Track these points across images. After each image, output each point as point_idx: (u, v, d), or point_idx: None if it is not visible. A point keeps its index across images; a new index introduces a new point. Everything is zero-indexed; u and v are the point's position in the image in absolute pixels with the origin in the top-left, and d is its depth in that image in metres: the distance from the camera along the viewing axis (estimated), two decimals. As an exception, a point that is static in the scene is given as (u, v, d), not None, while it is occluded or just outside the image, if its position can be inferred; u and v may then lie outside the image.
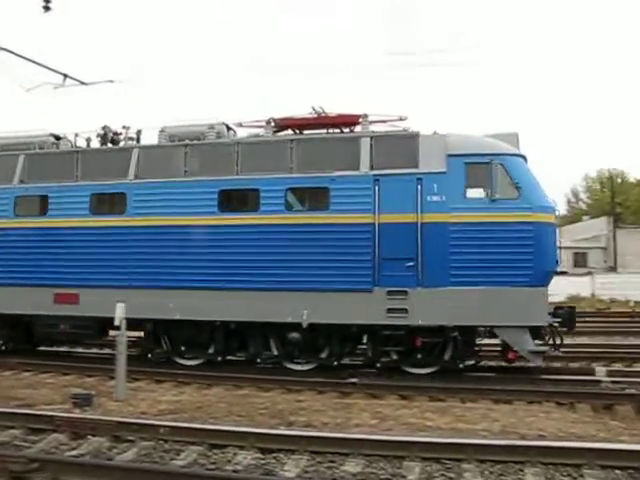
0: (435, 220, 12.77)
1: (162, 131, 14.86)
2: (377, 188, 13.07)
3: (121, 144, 15.36)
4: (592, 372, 13.57)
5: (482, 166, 12.77)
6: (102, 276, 14.38)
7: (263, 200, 13.69)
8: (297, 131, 14.67)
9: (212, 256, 13.81)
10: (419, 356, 13.37)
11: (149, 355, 14.75)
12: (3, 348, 16.04)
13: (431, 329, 12.97)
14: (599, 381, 12.44)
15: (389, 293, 12.94)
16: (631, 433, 9.31)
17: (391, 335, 13.19)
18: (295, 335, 13.65)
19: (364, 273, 13.01)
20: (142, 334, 15.05)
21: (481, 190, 12.98)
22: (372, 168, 13.26)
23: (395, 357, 13.51)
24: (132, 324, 13.92)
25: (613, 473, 7.16)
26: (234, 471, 7.24)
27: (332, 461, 7.56)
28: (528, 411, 10.40)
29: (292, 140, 14.03)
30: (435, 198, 12.82)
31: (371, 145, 13.42)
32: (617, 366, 14.82)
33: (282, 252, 13.43)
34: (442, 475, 7.17)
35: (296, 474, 7.19)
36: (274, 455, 7.74)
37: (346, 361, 14.21)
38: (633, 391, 11.23)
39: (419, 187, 12.86)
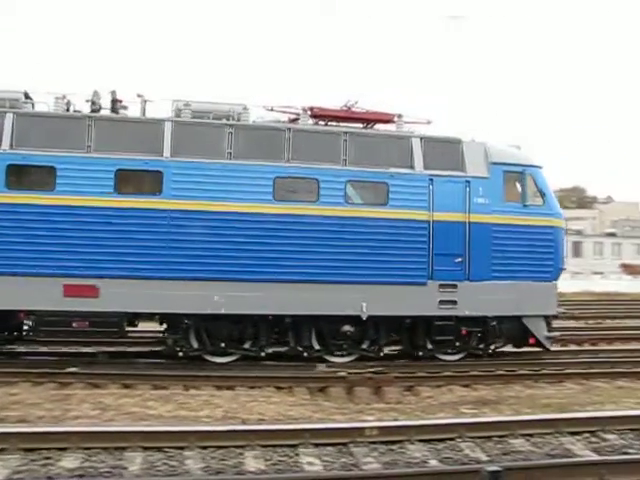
0: (481, 220, 14.18)
1: (187, 105, 13.73)
2: (431, 187, 13.91)
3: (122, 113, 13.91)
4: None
5: (517, 175, 14.63)
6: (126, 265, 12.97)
7: (323, 191, 13.53)
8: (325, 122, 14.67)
9: (267, 246, 13.30)
10: (457, 344, 14.39)
11: (180, 353, 13.47)
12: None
13: (472, 319, 14.22)
14: (315, 365, 13.21)
15: (441, 286, 13.85)
16: (342, 412, 10.06)
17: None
18: (348, 328, 13.85)
19: (420, 267, 13.86)
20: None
21: (515, 196, 14.61)
22: (425, 168, 14.03)
23: (430, 346, 14.37)
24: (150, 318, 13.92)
25: (325, 450, 7.64)
26: None
27: (48, 458, 7.16)
28: (249, 396, 10.76)
29: (346, 133, 14.09)
30: (480, 200, 14.21)
31: (421, 146, 14.17)
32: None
33: (342, 245, 13.54)
34: (164, 464, 7.12)
35: (5, 476, 6.68)
36: (-20, 456, 7.14)
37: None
38: (344, 374, 12.10)
39: (467, 189, 14.10)
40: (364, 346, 14.23)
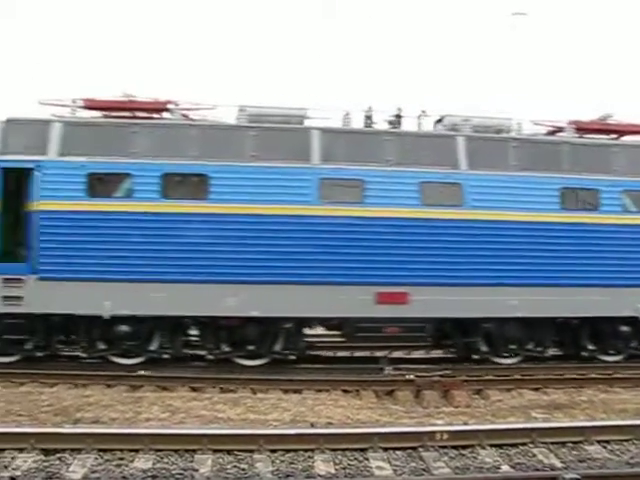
0: None
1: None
2: None
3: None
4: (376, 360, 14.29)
5: None
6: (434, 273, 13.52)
7: (602, 201, 14.23)
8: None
9: (555, 253, 13.87)
10: None
11: (475, 356, 14.32)
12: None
13: None
14: (382, 369, 13.13)
15: None
16: (410, 416, 9.98)
17: None
18: (624, 328, 14.42)
19: None
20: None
21: None
22: None
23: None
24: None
25: (394, 454, 7.58)
26: (12, 478, 6.73)
27: (121, 458, 7.29)
28: (317, 400, 10.74)
29: (617, 145, 14.85)
30: None
31: None
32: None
33: (619, 250, 14.13)
34: (234, 467, 7.17)
35: (82, 475, 6.85)
36: (58, 455, 7.30)
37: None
38: (412, 377, 11.97)
39: None
40: (633, 344, 14.69)
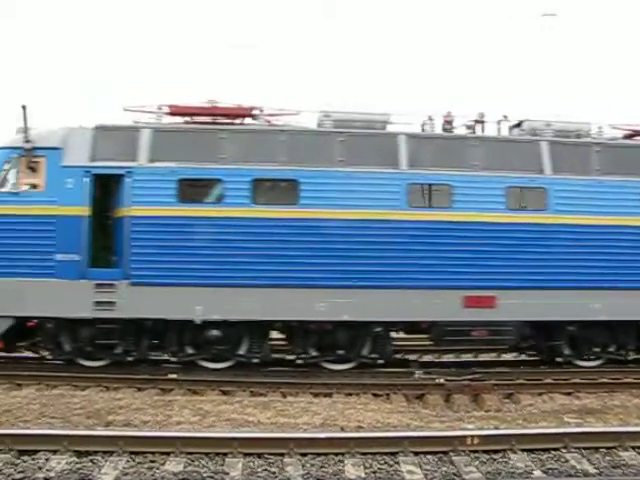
0: None
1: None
2: None
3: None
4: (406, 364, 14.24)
5: None
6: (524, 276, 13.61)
7: None
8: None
9: (630, 257, 13.88)
10: None
11: (559, 359, 14.31)
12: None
13: None
14: (412, 372, 13.09)
15: None
16: (441, 420, 9.92)
17: None
18: None
19: None
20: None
21: None
22: None
23: None
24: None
25: (425, 458, 7.55)
26: (46, 478, 6.83)
27: (153, 461, 7.35)
28: (347, 403, 10.72)
29: None
30: None
31: None
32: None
33: None
34: (265, 470, 7.19)
35: (114, 477, 6.92)
36: (91, 458, 7.39)
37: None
38: (442, 381, 11.92)
39: None
40: None
